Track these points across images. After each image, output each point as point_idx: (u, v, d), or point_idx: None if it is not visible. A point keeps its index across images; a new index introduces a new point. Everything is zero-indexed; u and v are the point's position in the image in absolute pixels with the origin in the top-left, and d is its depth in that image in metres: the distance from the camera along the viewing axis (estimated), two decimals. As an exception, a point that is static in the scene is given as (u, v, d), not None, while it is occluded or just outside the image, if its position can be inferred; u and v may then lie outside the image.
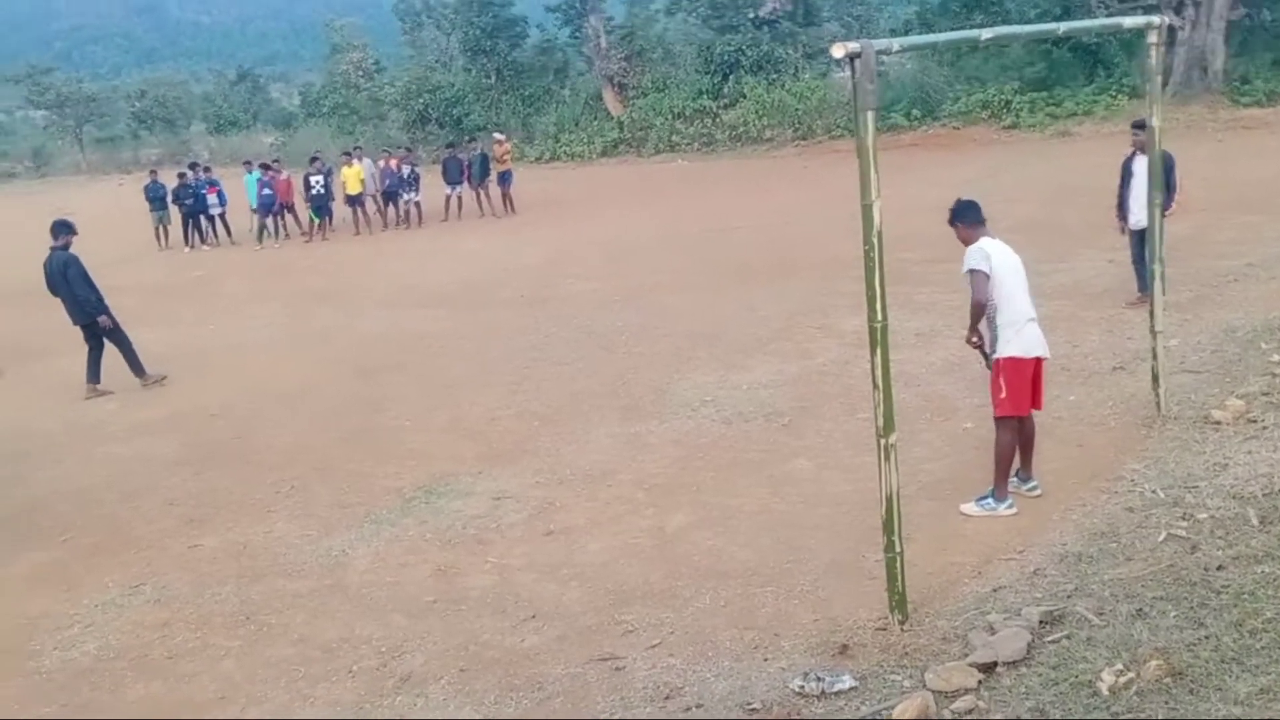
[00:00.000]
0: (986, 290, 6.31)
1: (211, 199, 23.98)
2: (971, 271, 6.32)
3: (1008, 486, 6.48)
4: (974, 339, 6.56)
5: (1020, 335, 6.37)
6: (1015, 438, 6.46)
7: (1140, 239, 10.64)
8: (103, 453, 9.66)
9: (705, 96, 35.58)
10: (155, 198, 24.10)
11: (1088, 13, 27.69)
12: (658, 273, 15.62)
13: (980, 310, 6.37)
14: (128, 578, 6.92)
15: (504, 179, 24.88)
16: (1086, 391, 8.36)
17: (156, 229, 24.14)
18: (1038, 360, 6.47)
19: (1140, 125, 10.05)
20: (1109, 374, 8.76)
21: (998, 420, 6.46)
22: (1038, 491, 6.61)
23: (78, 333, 11.86)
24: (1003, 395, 6.37)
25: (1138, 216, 10.69)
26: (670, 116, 35.52)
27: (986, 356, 6.62)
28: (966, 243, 6.46)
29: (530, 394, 10.12)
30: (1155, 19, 6.92)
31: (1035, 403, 6.57)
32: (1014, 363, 6.35)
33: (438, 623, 5.91)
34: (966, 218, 6.51)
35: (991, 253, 6.34)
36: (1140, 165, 10.50)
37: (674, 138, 35.06)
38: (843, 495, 6.99)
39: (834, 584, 5.83)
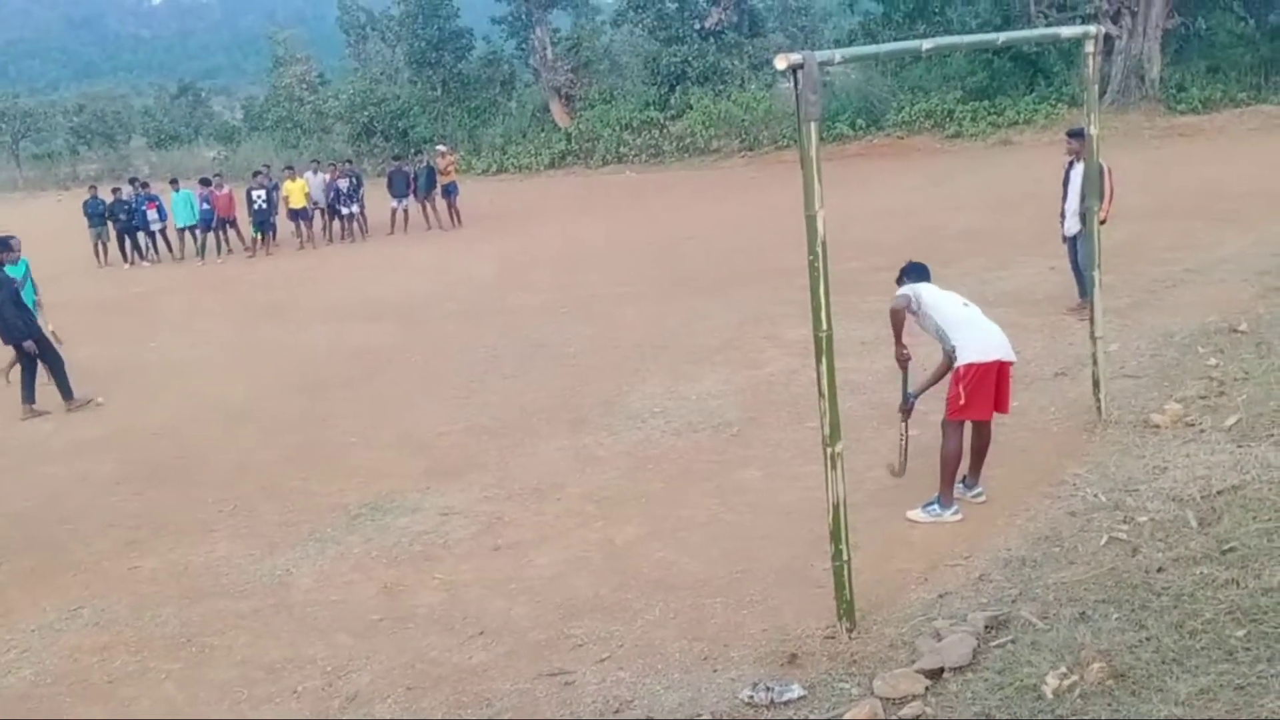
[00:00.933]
0: (904, 307, 6.56)
1: (152, 214, 23.60)
2: (892, 309, 6.62)
3: (954, 493, 6.52)
4: (904, 352, 6.80)
5: (975, 339, 6.42)
6: (960, 443, 6.51)
7: (1074, 246, 10.82)
8: (40, 473, 9.45)
9: (652, 108, 35.70)
10: (94, 214, 23.69)
11: (1027, 22, 28.16)
12: (606, 284, 15.61)
13: (898, 317, 6.60)
14: (65, 601, 6.76)
15: (449, 191, 24.75)
16: (1029, 397, 8.45)
17: (95, 245, 23.73)
18: (1000, 364, 6.46)
19: (1076, 134, 10.22)
20: (1051, 379, 8.87)
21: (946, 423, 6.49)
22: (982, 498, 6.67)
23: (11, 351, 11.61)
24: (961, 402, 6.40)
25: (1069, 224, 10.87)
26: (617, 128, 35.57)
27: (905, 397, 6.92)
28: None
29: (478, 408, 10.06)
30: (1092, 28, 7.03)
31: (1000, 406, 6.60)
32: (972, 368, 6.37)
33: (384, 641, 5.84)
34: (911, 275, 6.85)
35: (921, 291, 6.60)
36: (1075, 173, 10.69)
37: (621, 149, 35.12)
38: (791, 504, 7.01)
39: (783, 593, 5.83)
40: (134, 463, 9.51)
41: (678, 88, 35.62)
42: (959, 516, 6.43)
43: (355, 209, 24.16)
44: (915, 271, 6.88)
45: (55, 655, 6.09)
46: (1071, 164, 10.91)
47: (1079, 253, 10.43)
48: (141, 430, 10.51)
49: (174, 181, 24.71)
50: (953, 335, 6.45)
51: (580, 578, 6.35)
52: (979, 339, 6.42)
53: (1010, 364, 6.56)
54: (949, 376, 6.54)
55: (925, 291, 6.61)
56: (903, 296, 6.57)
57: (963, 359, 6.39)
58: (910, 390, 6.93)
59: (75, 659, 6.02)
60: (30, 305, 11.69)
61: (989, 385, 6.43)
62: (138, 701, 5.51)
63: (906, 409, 6.94)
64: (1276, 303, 10.10)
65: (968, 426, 6.54)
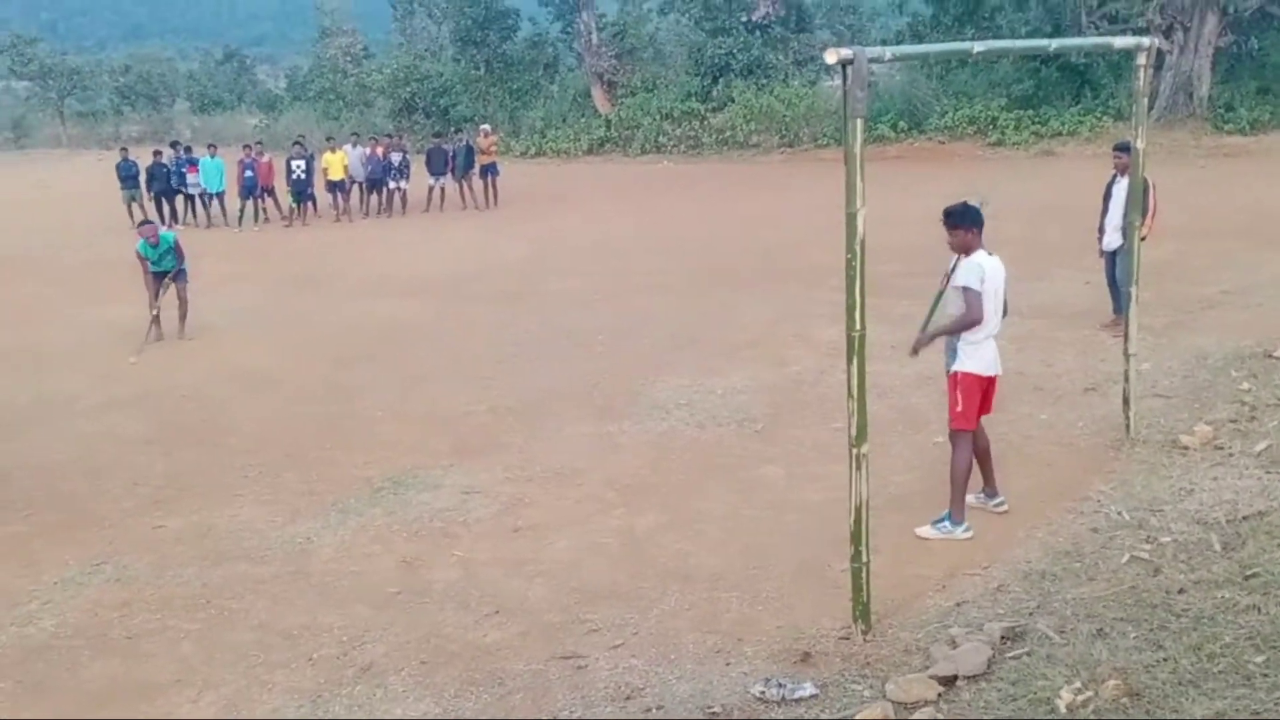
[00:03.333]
0: (981, 310, 6.24)
1: (192, 178, 23.73)
2: (966, 289, 6.24)
3: (965, 508, 6.46)
4: (923, 344, 6.59)
5: (980, 351, 6.35)
6: (969, 455, 6.45)
7: (1112, 260, 10.72)
8: (70, 429, 9.57)
9: (694, 99, 35.54)
10: (126, 175, 23.81)
11: (1078, 32, 27.84)
12: (638, 273, 15.61)
13: (968, 328, 6.31)
14: (89, 556, 6.86)
15: (489, 171, 24.80)
16: (1057, 411, 8.41)
17: (128, 206, 23.89)
18: (992, 378, 6.46)
19: (1123, 148, 10.11)
20: (1080, 395, 8.81)
21: (954, 435, 6.43)
22: (1004, 508, 6.64)
23: (50, 305, 11.73)
24: (958, 409, 6.37)
25: (1109, 238, 10.78)
26: (658, 117, 35.44)
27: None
28: (963, 250, 6.31)
29: (504, 389, 10.09)
30: (1145, 40, 6.96)
31: (985, 410, 6.56)
32: (971, 378, 6.34)
33: (400, 614, 5.89)
34: (969, 221, 6.29)
35: (986, 271, 6.26)
36: (1118, 188, 10.59)
37: (661, 138, 34.98)
38: (811, 504, 7.00)
39: (799, 591, 5.84)
40: (163, 423, 9.61)
41: (720, 80, 35.44)
42: (970, 534, 6.35)
43: (404, 184, 24.24)
44: (972, 216, 6.27)
45: (76, 609, 6.18)
46: (1114, 178, 10.82)
47: (1117, 268, 10.32)
48: (171, 392, 10.61)
49: (211, 146, 24.85)
50: (966, 336, 6.31)
51: (597, 564, 6.38)
52: (982, 352, 6.37)
53: (998, 377, 6.53)
54: (948, 383, 6.48)
55: (988, 277, 6.24)
56: (974, 291, 6.18)
57: (962, 366, 6.34)
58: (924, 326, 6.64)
59: (96, 613, 6.11)
60: None
61: (979, 395, 6.42)
62: (155, 659, 5.58)
63: (917, 348, 6.65)
64: (1314, 330, 9.98)
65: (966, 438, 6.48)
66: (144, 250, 12.74)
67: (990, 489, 6.71)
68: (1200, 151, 25.52)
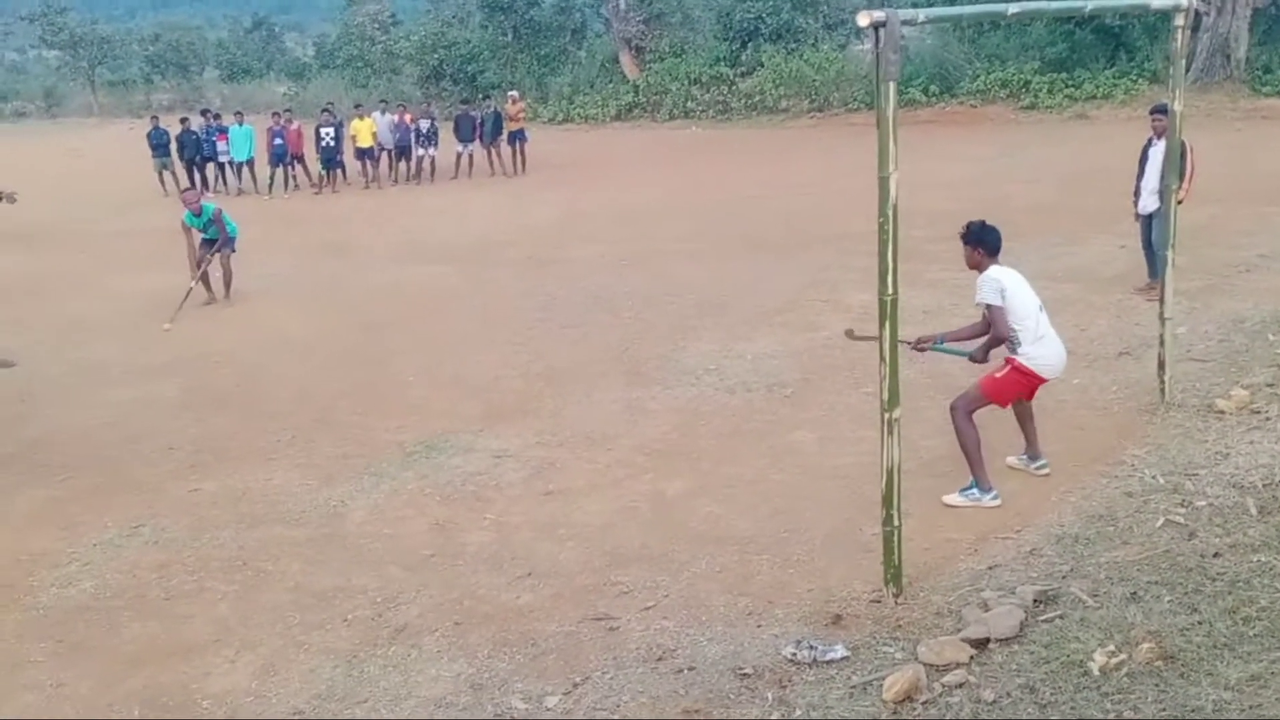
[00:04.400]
0: (1007, 325, 6.23)
1: (222, 146, 23.82)
2: (989, 307, 6.25)
3: (987, 474, 6.40)
4: (927, 348, 6.58)
5: (1044, 348, 6.32)
6: (973, 427, 6.35)
7: (1148, 224, 10.60)
8: (106, 395, 9.68)
9: (723, 63, 35.27)
10: (157, 144, 23.94)
11: (1113, -7, 27.37)
12: (667, 239, 15.57)
13: (999, 344, 6.34)
14: (127, 519, 6.95)
15: (517, 137, 24.77)
16: (1091, 375, 8.34)
17: (159, 175, 24.03)
18: (1045, 380, 6.46)
19: (1161, 110, 9.97)
20: (1115, 359, 8.74)
21: (959, 408, 6.34)
22: (1046, 470, 6.61)
23: (85, 274, 11.85)
24: (997, 385, 6.34)
25: (1145, 201, 10.65)
26: (686, 82, 35.21)
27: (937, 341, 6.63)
28: (974, 268, 6.38)
29: (534, 354, 10.12)
30: (1183, 1, 6.83)
31: (1026, 396, 6.58)
32: (1029, 372, 6.32)
33: (434, 576, 5.94)
34: (986, 244, 6.34)
35: (1005, 282, 6.24)
36: (1155, 151, 10.45)
37: (689, 104, 34.78)
38: (842, 468, 7.00)
39: (830, 555, 5.84)
40: (197, 389, 9.70)
41: (749, 44, 35.13)
42: (998, 501, 6.30)
43: (433, 151, 24.25)
44: (990, 243, 6.35)
45: (115, 570, 6.26)
46: (1151, 141, 10.68)
47: (1154, 231, 10.20)
48: (204, 358, 10.71)
49: (238, 114, 24.91)
50: (1025, 341, 6.27)
51: (628, 527, 6.41)
52: (1051, 355, 6.36)
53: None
54: (1004, 358, 6.41)
55: (1009, 282, 6.25)
56: (994, 293, 6.20)
57: (1028, 360, 6.29)
58: (942, 339, 6.64)
59: (134, 575, 6.19)
60: None
61: (1026, 391, 6.47)
62: (192, 620, 5.66)
63: (922, 347, 6.62)
64: (1354, 294, 9.85)
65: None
66: (190, 221, 12.93)
67: (1033, 450, 6.69)
68: (1237, 114, 25.12)
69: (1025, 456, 6.70)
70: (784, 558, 5.86)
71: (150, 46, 59.79)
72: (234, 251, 13.36)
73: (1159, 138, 10.28)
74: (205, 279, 13.00)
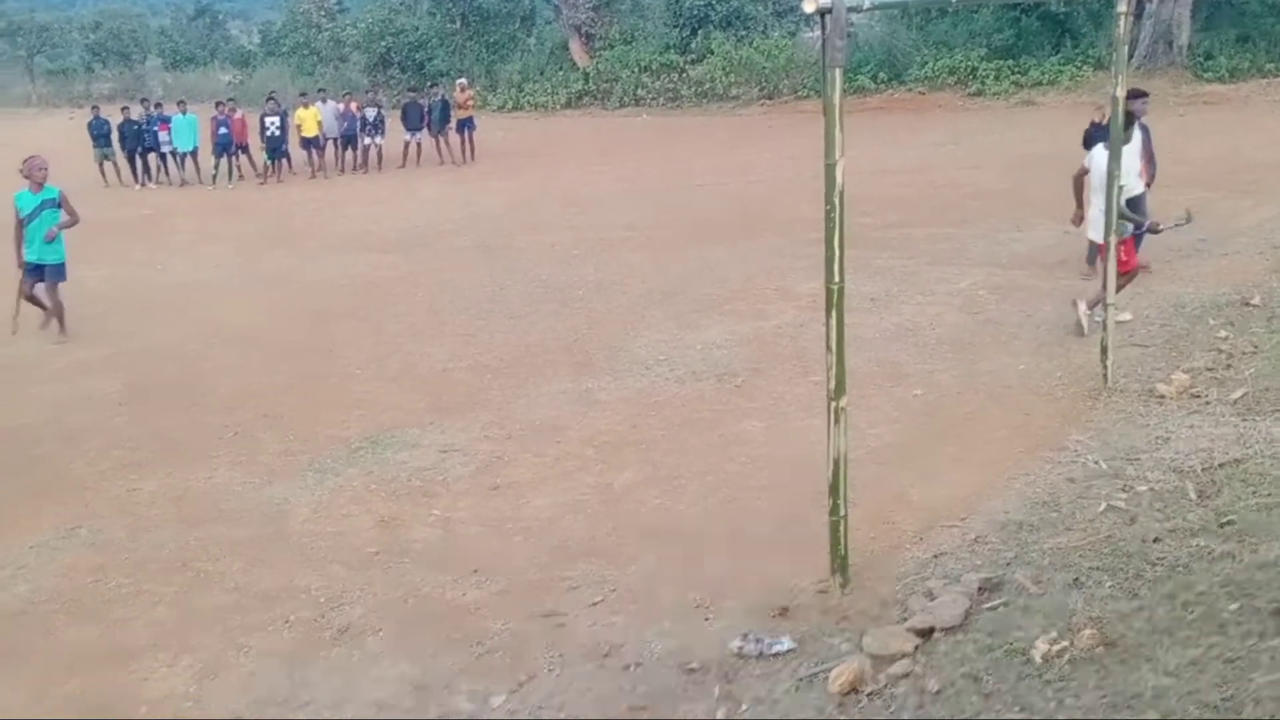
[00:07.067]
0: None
1: (164, 136, 23.42)
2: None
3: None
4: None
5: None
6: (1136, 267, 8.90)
7: (1130, 209, 10.62)
8: (41, 391, 9.46)
9: (673, 51, 35.18)
10: (98, 134, 23.50)
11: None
12: (617, 228, 15.51)
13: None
14: (63, 520, 6.79)
15: (466, 125, 24.57)
16: (1036, 361, 8.41)
17: (100, 165, 23.58)
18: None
19: (1137, 94, 9.96)
20: (1058, 344, 8.82)
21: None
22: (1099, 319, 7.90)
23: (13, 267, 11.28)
24: (1125, 258, 8.22)
25: (1130, 184, 10.67)
26: (637, 70, 35.09)
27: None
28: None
29: (483, 346, 10.03)
30: (1125, -13, 6.87)
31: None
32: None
33: (379, 574, 5.86)
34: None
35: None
36: (1134, 135, 10.44)
37: (639, 91, 34.67)
38: (791, 457, 6.99)
39: (778, 546, 5.83)
40: (137, 384, 9.51)
41: (699, 31, 35.07)
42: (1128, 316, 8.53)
43: (380, 140, 24.00)
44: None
45: (51, 573, 6.11)
46: (1128, 126, 10.69)
47: (1139, 212, 10.24)
48: (145, 352, 10.50)
49: (181, 103, 24.50)
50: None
51: (577, 521, 6.36)
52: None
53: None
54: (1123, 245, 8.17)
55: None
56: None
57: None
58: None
59: (70, 578, 6.05)
60: None
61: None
62: (130, 623, 5.54)
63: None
64: (1292, 277, 10.00)
65: None
66: (21, 202, 10.92)
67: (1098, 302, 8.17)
68: (1180, 100, 25.45)
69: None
70: (732, 549, 5.84)
71: (91, 34, 58.49)
72: (63, 280, 11.14)
73: (1135, 121, 10.29)
74: (35, 300, 11.12)
